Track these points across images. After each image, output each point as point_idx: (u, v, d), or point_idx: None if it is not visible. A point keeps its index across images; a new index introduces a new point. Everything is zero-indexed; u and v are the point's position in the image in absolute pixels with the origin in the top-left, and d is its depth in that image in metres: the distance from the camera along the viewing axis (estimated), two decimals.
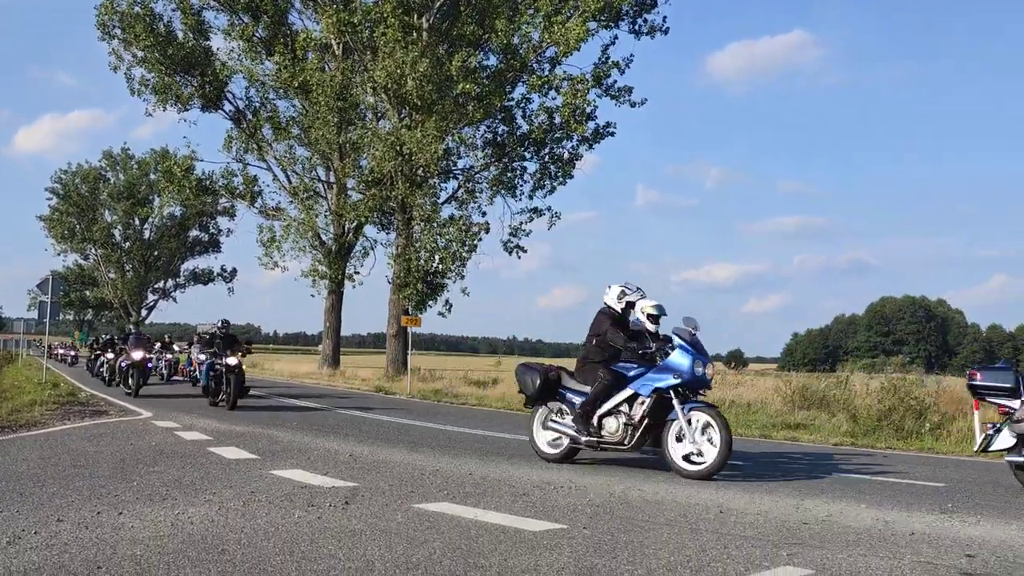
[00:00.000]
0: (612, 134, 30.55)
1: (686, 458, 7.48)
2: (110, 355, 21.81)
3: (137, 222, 63.85)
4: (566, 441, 8.19)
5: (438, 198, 30.92)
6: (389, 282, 30.99)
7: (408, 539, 4.50)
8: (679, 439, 7.54)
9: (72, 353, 45.58)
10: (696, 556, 4.30)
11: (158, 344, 25.43)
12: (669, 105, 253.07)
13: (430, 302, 29.55)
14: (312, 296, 34.64)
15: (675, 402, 7.56)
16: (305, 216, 32.59)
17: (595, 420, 7.94)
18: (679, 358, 7.70)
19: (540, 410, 8.56)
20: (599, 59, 30.12)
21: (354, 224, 32.91)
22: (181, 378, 24.65)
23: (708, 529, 5.06)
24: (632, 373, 7.97)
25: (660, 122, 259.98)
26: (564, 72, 29.29)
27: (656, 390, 7.67)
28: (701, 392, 8.00)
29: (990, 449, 7.97)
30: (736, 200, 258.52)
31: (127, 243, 63.73)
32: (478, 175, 31.79)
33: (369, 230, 33.92)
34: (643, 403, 7.73)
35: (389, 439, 10.15)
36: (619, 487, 6.70)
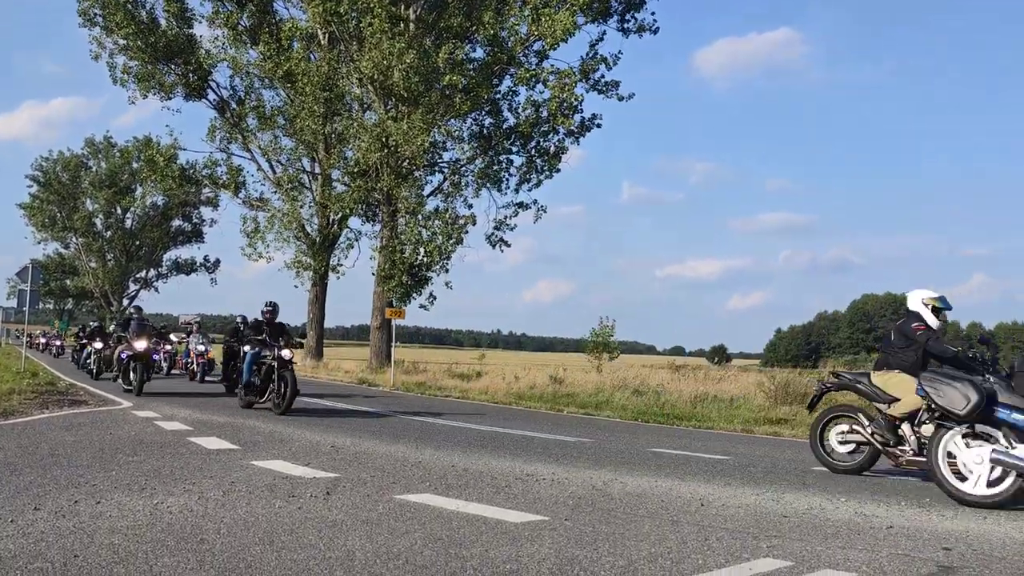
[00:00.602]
0: (598, 126, 30.61)
1: None
2: (98, 344, 20.05)
3: (119, 211, 63.30)
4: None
5: (423, 191, 30.86)
6: (373, 274, 30.92)
7: (389, 530, 4.48)
8: None
9: (57, 343, 43.46)
10: (677, 548, 4.31)
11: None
12: (655, 100, 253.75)
13: (414, 295, 29.50)
14: (296, 287, 34.55)
15: None
16: (289, 207, 32.43)
17: None
18: None
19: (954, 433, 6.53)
20: (586, 54, 30.17)
21: (339, 216, 32.79)
22: (180, 371, 22.50)
23: (689, 521, 5.07)
24: None
25: (646, 117, 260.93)
26: (551, 66, 29.29)
27: None
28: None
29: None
30: (721, 196, 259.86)
31: (109, 232, 63.21)
32: (464, 168, 31.73)
33: (354, 222, 33.81)
34: None
35: (371, 431, 10.12)
36: (601, 480, 6.71)
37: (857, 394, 8.24)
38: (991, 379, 6.57)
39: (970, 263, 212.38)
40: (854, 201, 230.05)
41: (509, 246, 31.78)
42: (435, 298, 30.22)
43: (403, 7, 28.52)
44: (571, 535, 4.53)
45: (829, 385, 8.78)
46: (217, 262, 65.76)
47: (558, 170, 31.23)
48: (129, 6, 31.08)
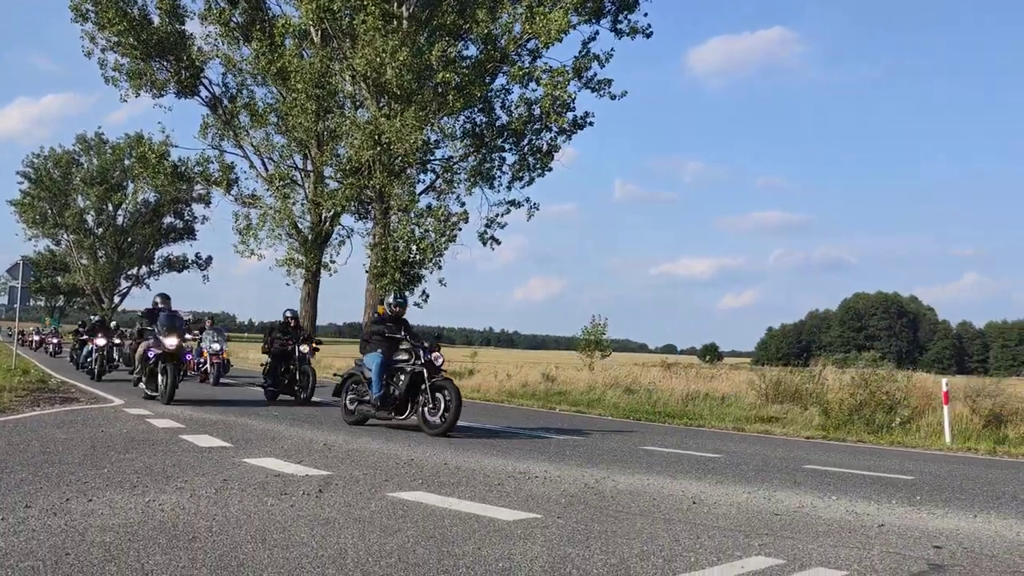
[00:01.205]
0: (591, 124, 30.58)
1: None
2: (100, 341, 18.23)
3: (110, 208, 63.04)
4: None
5: (416, 188, 30.81)
6: (366, 271, 30.86)
7: (382, 527, 4.48)
8: None
9: (55, 341, 39.04)
10: (669, 546, 4.32)
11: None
12: (648, 99, 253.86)
13: (407, 291, 29.46)
14: (288, 285, 34.46)
15: None
16: (281, 204, 32.33)
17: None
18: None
19: None
20: (579, 52, 30.14)
21: (331, 213, 32.70)
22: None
23: (681, 519, 5.09)
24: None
25: (639, 116, 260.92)
26: (544, 64, 29.26)
27: None
28: None
29: None
30: (714, 195, 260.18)
31: (100, 229, 62.92)
32: (456, 165, 31.69)
33: (346, 219, 33.79)
34: None
35: (364, 428, 10.11)
36: (593, 477, 6.72)
37: None
38: None
39: (961, 262, 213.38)
40: (847, 200, 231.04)
41: (500, 244, 31.76)
42: (428, 295, 30.21)
43: (396, 4, 28.46)
44: (563, 533, 4.54)
45: None
46: (209, 259, 65.53)
47: (550, 168, 31.23)
48: (121, 2, 30.93)
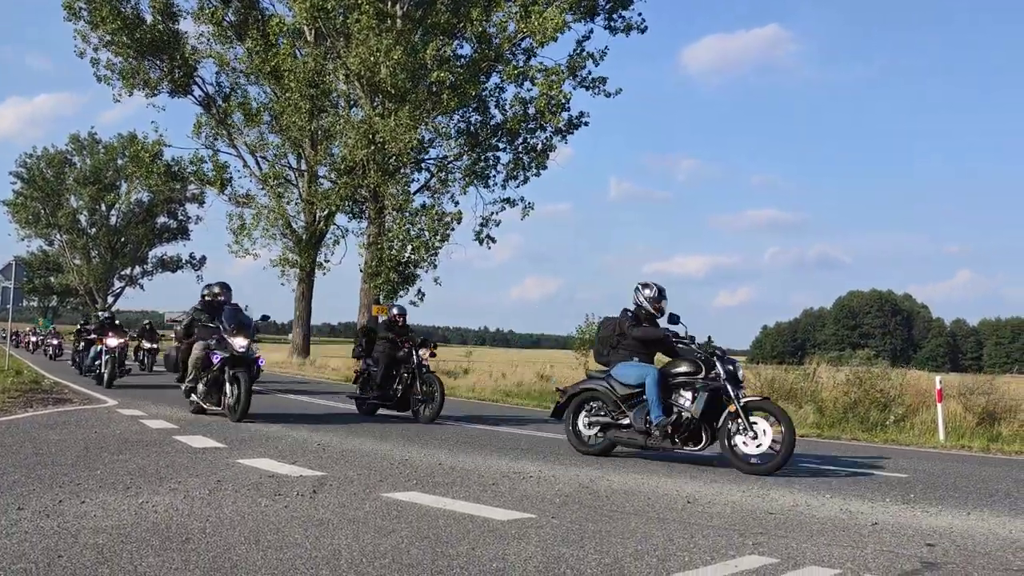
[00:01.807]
0: (586, 124, 30.65)
1: None
2: (112, 342, 16.15)
3: (104, 208, 62.93)
4: None
5: (410, 187, 30.80)
6: (361, 271, 30.83)
7: (376, 528, 4.48)
8: None
9: (54, 342, 34.92)
10: (663, 545, 4.32)
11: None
12: (643, 98, 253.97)
13: (402, 291, 29.46)
14: (282, 285, 34.43)
15: None
16: (276, 204, 32.31)
17: None
18: None
19: None
20: (574, 51, 30.19)
21: (325, 212, 32.69)
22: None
23: (675, 519, 5.09)
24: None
25: (634, 115, 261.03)
26: (539, 63, 29.29)
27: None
28: None
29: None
30: (709, 193, 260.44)
31: (93, 229, 62.80)
32: (451, 164, 31.70)
33: (340, 219, 33.73)
34: None
35: (358, 429, 10.10)
36: (587, 477, 6.72)
37: None
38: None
39: (955, 260, 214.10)
40: (842, 198, 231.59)
41: (495, 242, 31.82)
42: (424, 294, 30.22)
43: (390, 3, 28.45)
44: (558, 533, 4.54)
45: None
46: (203, 259, 65.54)
47: (545, 167, 31.27)
48: (115, 0, 30.85)
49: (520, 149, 30.99)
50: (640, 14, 30.40)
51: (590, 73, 30.12)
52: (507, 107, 30.44)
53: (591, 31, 30.26)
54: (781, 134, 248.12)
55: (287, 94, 29.08)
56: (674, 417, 7.77)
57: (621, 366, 8.22)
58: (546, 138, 30.72)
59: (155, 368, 22.19)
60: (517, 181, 31.25)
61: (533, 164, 31.08)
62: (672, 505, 5.59)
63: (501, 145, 31.22)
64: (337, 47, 29.17)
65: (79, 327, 24.03)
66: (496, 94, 30.96)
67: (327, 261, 33.80)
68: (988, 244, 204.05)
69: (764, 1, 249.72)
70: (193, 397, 10.67)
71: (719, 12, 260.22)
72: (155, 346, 23.13)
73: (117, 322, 19.09)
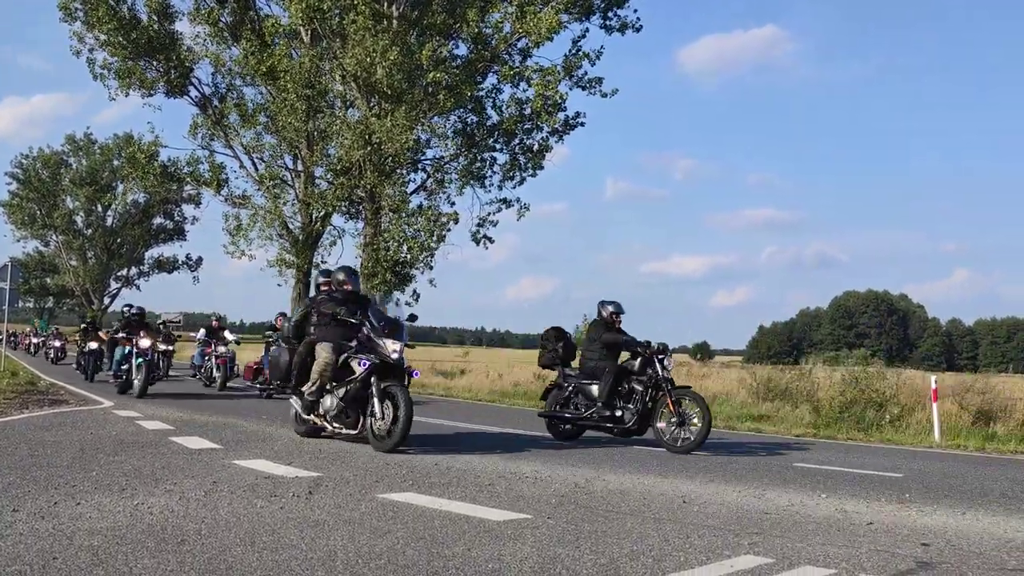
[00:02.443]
0: (582, 124, 30.61)
1: None
2: (145, 342, 14.09)
3: (100, 209, 62.81)
4: None
5: (407, 188, 30.77)
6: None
7: (371, 529, 4.48)
8: None
9: (56, 344, 31.14)
10: (658, 545, 4.33)
11: (202, 330, 18.60)
12: (640, 98, 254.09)
13: (398, 292, 29.44)
14: (279, 286, 34.35)
15: None
16: (272, 204, 32.25)
17: None
18: None
19: None
20: (569, 51, 30.14)
21: (322, 213, 32.64)
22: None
23: (671, 519, 5.10)
24: None
25: (631, 114, 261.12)
26: (535, 63, 29.28)
27: None
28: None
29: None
30: (706, 192, 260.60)
31: (89, 230, 62.67)
32: (447, 165, 31.69)
33: (337, 219, 33.65)
34: None
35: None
36: (583, 477, 6.73)
37: None
38: None
39: (951, 259, 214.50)
40: (839, 198, 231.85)
41: (493, 242, 31.73)
42: (419, 295, 30.19)
43: (386, 4, 28.40)
44: (553, 533, 4.54)
45: None
46: (199, 260, 65.35)
47: (542, 168, 31.25)
48: (111, 1, 30.79)
49: (516, 150, 30.98)
50: (636, 11, 30.41)
51: (586, 73, 30.09)
52: (503, 108, 30.43)
53: (587, 30, 30.22)
54: (778, 133, 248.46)
55: (283, 95, 29.02)
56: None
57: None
58: (542, 138, 30.71)
59: (170, 373, 20.90)
60: (514, 182, 31.24)
61: (529, 165, 31.06)
62: (668, 505, 5.60)
63: (497, 146, 31.19)
64: (333, 48, 29.13)
65: (84, 326, 22.00)
66: (492, 95, 30.95)
67: (324, 262, 33.73)
68: (985, 243, 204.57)
69: (761, 1, 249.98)
70: (312, 417, 8.53)
71: (717, 12, 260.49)
72: (171, 348, 21.20)
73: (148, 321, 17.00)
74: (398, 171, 29.53)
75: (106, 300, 63.87)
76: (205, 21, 31.66)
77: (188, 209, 61.19)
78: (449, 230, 29.25)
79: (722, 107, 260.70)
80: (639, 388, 9.46)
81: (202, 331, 18.50)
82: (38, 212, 60.83)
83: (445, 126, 30.61)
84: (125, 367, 14.67)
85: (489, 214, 31.37)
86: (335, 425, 8.41)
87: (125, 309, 16.03)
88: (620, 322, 10.21)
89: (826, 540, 4.62)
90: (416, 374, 8.61)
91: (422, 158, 31.57)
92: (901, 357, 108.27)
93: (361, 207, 31.44)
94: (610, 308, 10.21)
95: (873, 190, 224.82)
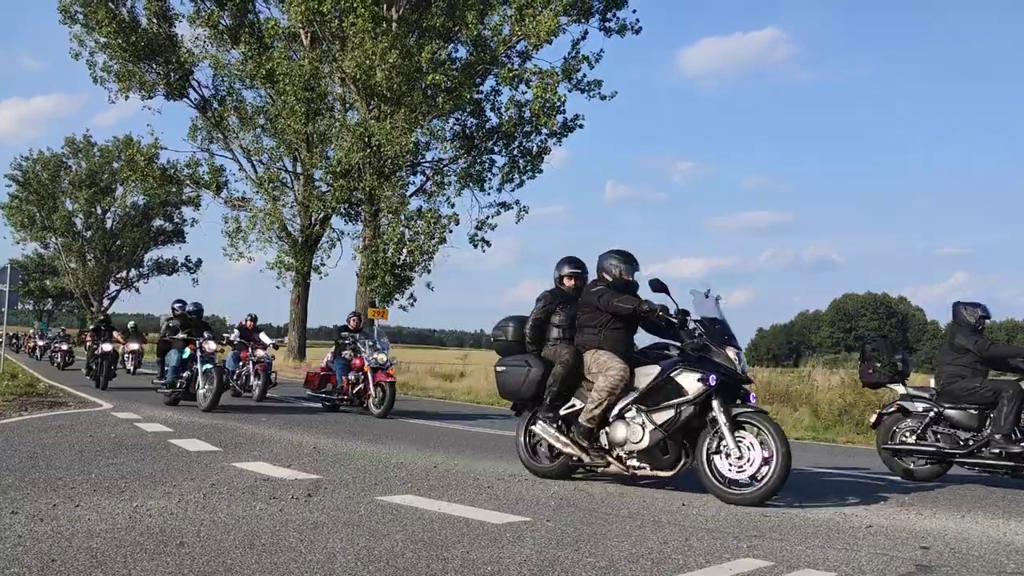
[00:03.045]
0: (581, 126, 30.65)
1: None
2: (211, 345, 12.41)
3: (99, 211, 62.84)
4: None
5: (406, 190, 30.80)
6: (356, 274, 30.82)
7: (370, 532, 4.47)
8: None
9: (63, 347, 27.49)
10: (658, 548, 4.32)
11: (235, 331, 16.12)
12: (640, 100, 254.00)
13: (397, 295, 29.45)
14: (278, 288, 34.37)
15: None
16: (271, 207, 32.28)
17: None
18: None
19: None
20: (568, 53, 30.19)
21: (321, 215, 32.68)
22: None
23: (670, 522, 5.09)
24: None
25: (630, 117, 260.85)
26: (534, 66, 29.31)
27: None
28: None
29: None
30: (705, 195, 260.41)
31: (89, 232, 62.68)
32: (446, 167, 31.72)
33: (336, 222, 33.70)
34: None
35: (353, 432, 10.09)
36: (583, 480, 6.73)
37: None
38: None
39: (950, 262, 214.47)
40: (837, 201, 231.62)
41: (490, 246, 31.77)
42: (415, 299, 30.19)
43: (386, 7, 28.45)
44: (552, 536, 4.54)
45: None
46: (199, 262, 65.41)
47: (541, 171, 31.30)
48: (111, 4, 30.83)
49: (515, 152, 31.02)
50: (635, 11, 30.45)
51: (585, 76, 30.16)
52: (502, 110, 30.48)
53: (586, 32, 30.29)
54: (777, 136, 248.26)
55: (282, 97, 29.07)
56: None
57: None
58: (541, 141, 30.76)
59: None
60: (513, 184, 31.28)
61: (528, 167, 31.11)
62: (667, 508, 5.60)
63: (497, 148, 31.25)
64: (332, 50, 29.17)
65: (96, 325, 18.93)
66: (491, 97, 31.00)
67: (323, 264, 33.77)
68: (983, 246, 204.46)
69: (761, 4, 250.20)
70: (589, 448, 6.47)
71: (716, 15, 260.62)
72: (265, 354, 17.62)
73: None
74: (397, 173, 29.56)
75: (105, 302, 63.85)
76: (205, 24, 31.71)
77: (188, 211, 61.22)
78: (450, 232, 29.30)
79: (721, 110, 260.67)
80: None
81: (235, 332, 15.94)
82: (37, 214, 60.82)
83: (444, 129, 30.68)
84: (185, 375, 12.39)
85: (488, 217, 31.42)
86: (636, 464, 6.31)
87: (177, 306, 13.21)
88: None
89: (825, 543, 4.62)
90: (753, 399, 6.48)
91: (421, 160, 31.61)
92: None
93: (360, 209, 31.47)
94: (979, 312, 8.03)
95: (870, 193, 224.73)
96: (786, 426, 13.48)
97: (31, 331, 42.83)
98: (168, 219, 64.36)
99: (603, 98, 30.47)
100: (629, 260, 6.86)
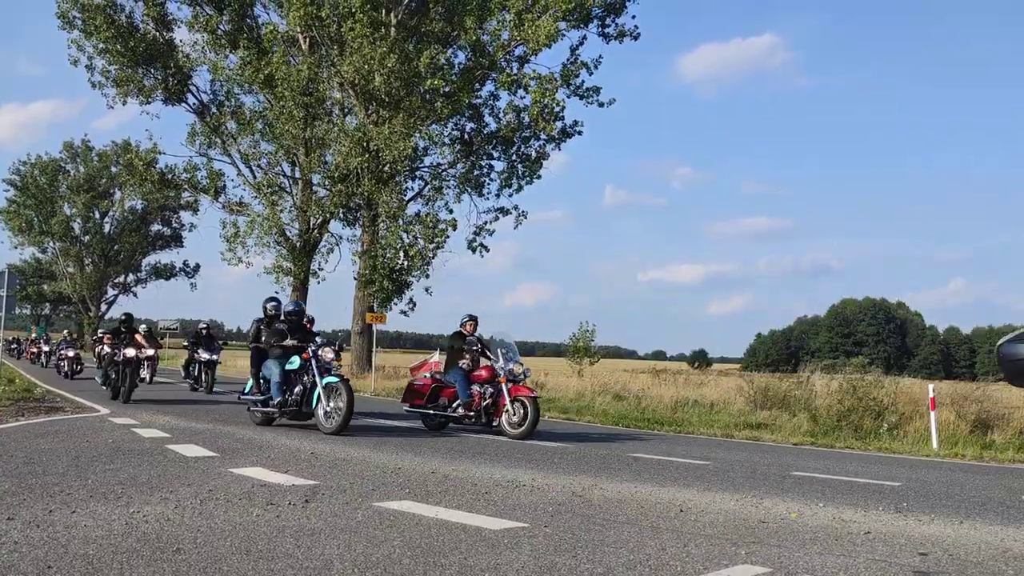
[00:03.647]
0: (579, 133, 30.68)
1: None
2: (149, 352, 11.92)
3: (97, 215, 62.88)
4: None
5: (404, 195, 30.79)
6: (354, 279, 30.80)
7: (368, 538, 4.46)
8: None
9: (69, 354, 23.93)
10: (656, 555, 4.31)
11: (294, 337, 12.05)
12: (639, 105, 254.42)
13: (395, 300, 29.43)
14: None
15: None
16: (269, 211, 32.25)
17: None
18: None
19: None
20: (568, 59, 30.22)
21: (319, 220, 32.66)
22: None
23: (668, 528, 5.08)
24: None
25: (630, 122, 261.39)
26: (533, 71, 29.34)
27: None
28: None
29: None
30: (704, 201, 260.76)
31: (87, 237, 62.71)
32: (445, 172, 31.73)
33: (334, 226, 33.70)
34: None
35: (351, 437, 10.07)
36: (581, 485, 6.71)
37: None
38: None
39: (948, 268, 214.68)
40: (836, 206, 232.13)
41: (488, 250, 31.79)
42: (415, 304, 30.17)
43: (384, 12, 28.47)
44: (550, 542, 4.53)
45: None
46: (197, 267, 65.46)
47: (539, 176, 31.31)
48: (109, 10, 30.83)
49: (514, 157, 31.04)
50: (634, 17, 30.53)
51: (583, 82, 30.19)
52: (501, 115, 30.50)
53: (584, 38, 30.34)
54: (776, 142, 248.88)
55: (281, 102, 29.07)
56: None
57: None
58: (540, 146, 30.77)
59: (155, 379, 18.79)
60: (511, 189, 31.29)
61: (527, 172, 31.12)
62: (665, 514, 5.59)
63: (495, 153, 31.27)
64: (331, 55, 29.18)
65: (119, 326, 15.65)
66: (490, 102, 31.03)
67: (321, 269, 33.74)
68: (981, 251, 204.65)
69: (759, 10, 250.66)
70: None
71: (716, 21, 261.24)
72: (215, 357, 18.24)
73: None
74: (396, 178, 29.55)
75: (103, 307, 63.79)
76: (203, 29, 31.71)
77: (186, 216, 61.27)
78: (448, 237, 29.29)
79: (720, 115, 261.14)
80: None
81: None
82: (35, 219, 60.83)
83: (443, 133, 30.67)
84: (297, 389, 10.49)
85: (486, 223, 31.42)
86: None
87: (271, 305, 11.61)
88: None
89: (824, 549, 4.61)
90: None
91: (420, 165, 31.62)
92: (899, 365, 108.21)
93: (359, 214, 31.47)
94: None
95: (869, 198, 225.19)
96: (784, 431, 13.49)
97: (32, 335, 41.59)
98: (166, 224, 64.44)
99: (601, 105, 30.52)
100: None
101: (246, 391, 11.46)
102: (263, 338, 11.23)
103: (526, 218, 31.75)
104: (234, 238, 32.30)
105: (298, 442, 9.14)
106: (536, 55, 28.41)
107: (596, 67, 30.18)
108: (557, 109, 28.76)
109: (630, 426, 14.09)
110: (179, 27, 32.94)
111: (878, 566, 4.26)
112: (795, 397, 15.73)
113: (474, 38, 28.06)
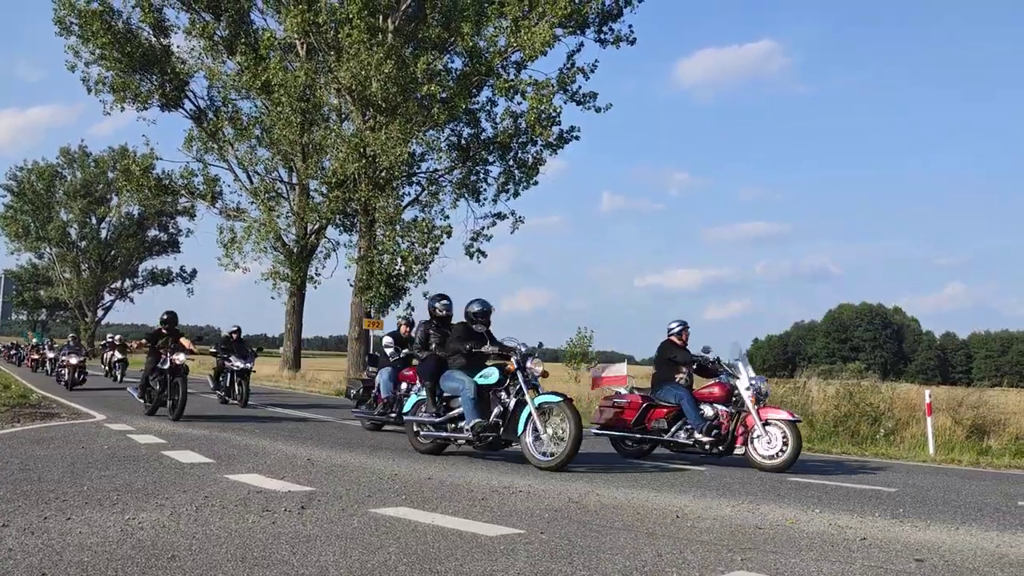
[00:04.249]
0: (576, 138, 30.76)
1: None
2: (181, 357, 11.65)
3: (94, 221, 62.85)
4: None
5: (401, 201, 30.83)
6: (351, 284, 30.81)
7: (364, 544, 4.45)
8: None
9: (72, 361, 20.89)
10: (652, 561, 4.31)
11: (387, 338, 12.24)
12: (637, 111, 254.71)
13: (392, 305, 29.43)
14: (273, 298, 34.35)
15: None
16: (266, 217, 32.27)
17: None
18: None
19: None
20: (564, 65, 30.33)
21: (316, 226, 32.69)
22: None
23: (665, 534, 5.08)
24: None
25: (627, 128, 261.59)
26: (530, 77, 29.43)
27: None
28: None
29: None
30: (701, 206, 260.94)
31: (83, 242, 62.66)
32: (442, 178, 31.78)
33: (331, 232, 33.74)
34: None
35: (348, 443, 10.06)
36: (577, 492, 6.71)
37: None
38: None
39: (945, 273, 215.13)
40: (833, 212, 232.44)
41: (486, 256, 31.84)
42: (414, 309, 30.17)
43: (381, 18, 28.53)
44: (546, 548, 4.52)
45: None
46: (194, 272, 65.39)
47: (536, 182, 31.38)
48: (106, 16, 30.87)
49: (511, 163, 31.10)
50: (631, 26, 30.64)
51: (580, 88, 30.29)
52: (498, 121, 30.58)
53: (581, 44, 30.46)
54: (774, 147, 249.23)
55: (278, 108, 29.11)
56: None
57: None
58: (537, 152, 30.84)
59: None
60: (508, 195, 31.36)
61: (524, 178, 31.19)
62: (661, 520, 5.58)
63: (492, 159, 31.33)
64: (328, 61, 29.22)
65: (160, 328, 13.05)
66: (487, 108, 31.10)
67: (318, 274, 33.76)
68: (978, 256, 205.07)
69: (757, 16, 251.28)
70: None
71: (713, 27, 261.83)
72: (249, 365, 16.36)
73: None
74: (393, 184, 29.59)
75: (100, 313, 63.71)
76: (200, 35, 31.78)
77: (183, 222, 61.24)
78: (443, 243, 29.32)
79: (718, 121, 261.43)
80: None
81: (387, 339, 12.14)
82: (32, 224, 60.78)
83: (439, 139, 30.73)
84: (496, 411, 8.51)
85: (483, 228, 31.47)
86: None
87: (439, 305, 10.30)
88: None
89: (820, 555, 4.61)
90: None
91: (417, 171, 31.66)
92: (896, 370, 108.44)
93: (356, 220, 31.50)
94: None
95: (866, 203, 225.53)
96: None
97: (32, 342, 40.26)
98: (163, 229, 64.43)
99: (598, 110, 30.61)
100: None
101: (406, 409, 9.56)
102: (432, 344, 9.90)
103: (523, 223, 31.87)
104: (231, 244, 32.34)
105: (295, 448, 9.13)
106: (533, 61, 28.51)
107: (593, 71, 30.30)
108: (554, 114, 28.85)
109: None
110: (176, 33, 33.04)
111: (874, 572, 4.26)
112: (792, 402, 15.72)
113: (471, 44, 28.15)
